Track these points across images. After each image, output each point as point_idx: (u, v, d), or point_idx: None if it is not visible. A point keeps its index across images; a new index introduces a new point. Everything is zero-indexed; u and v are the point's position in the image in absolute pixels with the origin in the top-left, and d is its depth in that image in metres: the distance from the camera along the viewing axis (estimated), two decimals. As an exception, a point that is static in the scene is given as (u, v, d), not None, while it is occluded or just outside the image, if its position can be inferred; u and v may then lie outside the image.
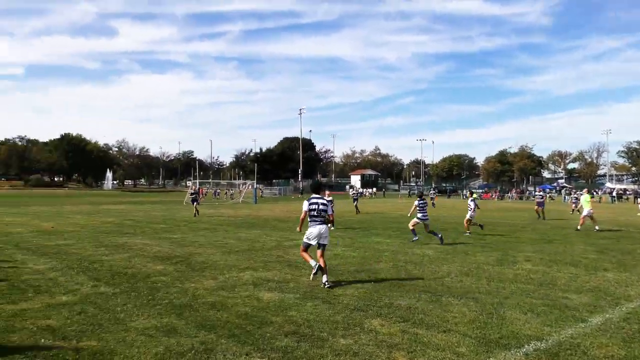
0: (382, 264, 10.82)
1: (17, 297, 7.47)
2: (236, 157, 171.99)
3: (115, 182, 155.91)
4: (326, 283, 8.41)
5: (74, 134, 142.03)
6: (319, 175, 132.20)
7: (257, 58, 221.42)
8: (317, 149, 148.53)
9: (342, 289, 8.30)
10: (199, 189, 46.34)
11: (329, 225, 9.27)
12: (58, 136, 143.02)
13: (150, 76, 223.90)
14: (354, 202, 31.16)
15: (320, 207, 8.94)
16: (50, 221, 22.03)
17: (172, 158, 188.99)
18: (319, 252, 8.75)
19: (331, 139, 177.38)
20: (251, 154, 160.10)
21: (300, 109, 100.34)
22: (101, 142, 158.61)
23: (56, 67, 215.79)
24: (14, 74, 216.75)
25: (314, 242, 8.86)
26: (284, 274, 9.62)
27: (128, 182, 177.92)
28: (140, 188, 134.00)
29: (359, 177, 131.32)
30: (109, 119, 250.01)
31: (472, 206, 16.61)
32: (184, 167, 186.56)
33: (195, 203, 26.73)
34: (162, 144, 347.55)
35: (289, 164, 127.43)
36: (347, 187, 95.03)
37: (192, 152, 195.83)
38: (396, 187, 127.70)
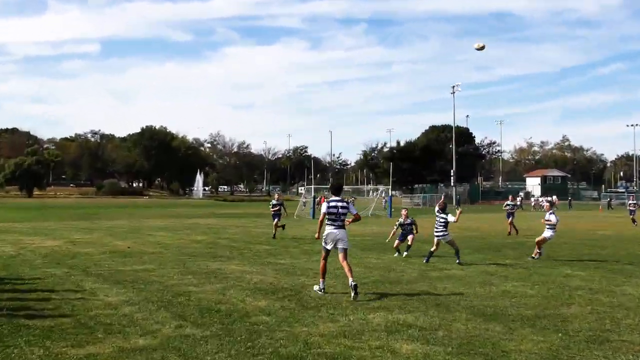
0: (575, 308, 10.26)
1: (84, 339, 8.07)
2: (364, 153, 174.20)
3: (207, 188, 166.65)
4: (354, 294, 10.87)
5: (157, 127, 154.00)
6: (479, 179, 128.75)
7: (393, 18, 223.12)
8: (477, 141, 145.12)
9: (515, 343, 7.93)
10: (318, 198, 47.60)
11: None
12: (137, 130, 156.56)
13: (252, 48, 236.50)
14: (508, 217, 29.93)
15: (340, 210, 11.45)
16: (127, 239, 24.00)
17: (280, 156, 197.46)
18: (340, 255, 11.53)
19: (497, 127, 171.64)
20: (384, 149, 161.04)
21: (454, 86, 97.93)
22: (190, 137, 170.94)
23: (137, 41, 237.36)
24: (86, 51, 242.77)
25: (329, 246, 11.53)
26: (430, 317, 9.45)
27: (223, 187, 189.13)
28: (238, 196, 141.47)
29: (538, 179, 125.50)
30: (200, 105, 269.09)
31: None
32: (295, 167, 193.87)
33: (276, 219, 26.01)
34: (267, 137, 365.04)
35: (437, 162, 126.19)
36: (521, 194, 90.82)
37: (306, 147, 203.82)
38: (594, 193, 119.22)
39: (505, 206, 30.91)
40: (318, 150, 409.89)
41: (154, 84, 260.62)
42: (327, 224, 11.52)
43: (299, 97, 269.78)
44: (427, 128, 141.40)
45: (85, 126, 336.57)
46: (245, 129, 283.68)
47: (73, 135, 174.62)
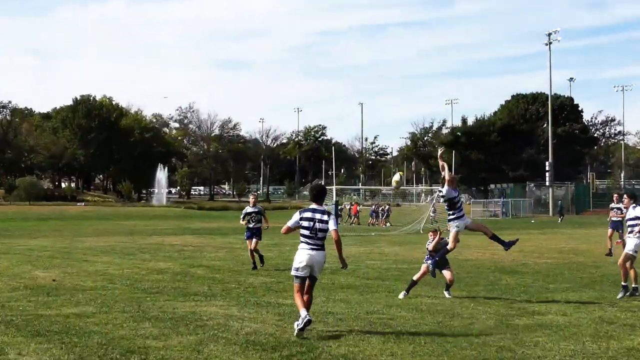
0: None
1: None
2: (412, 137, 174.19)
3: (173, 190, 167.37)
4: (299, 326, 12.36)
5: (98, 98, 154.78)
6: (590, 175, 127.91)
7: None
8: (586, 117, 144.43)
9: None
10: (346, 205, 47.45)
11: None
12: (68, 102, 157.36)
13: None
14: (613, 231, 29.80)
15: (318, 223, 12.65)
16: (52, 268, 24.09)
17: (285, 141, 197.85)
18: (307, 284, 12.85)
19: (616, 95, 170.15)
20: (443, 131, 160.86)
21: (550, 35, 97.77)
22: (147, 113, 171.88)
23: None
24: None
25: (302, 273, 12.71)
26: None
27: (198, 189, 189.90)
28: (221, 201, 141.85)
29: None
30: (164, 66, 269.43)
31: None
32: (308, 158, 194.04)
33: (255, 239, 24.61)
34: (266, 113, 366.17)
35: (524, 151, 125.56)
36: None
37: (324, 128, 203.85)
38: None
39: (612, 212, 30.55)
40: (342, 132, 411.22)
41: (91, 33, 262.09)
42: (302, 242, 12.90)
43: (312, 51, 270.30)
44: (508, 98, 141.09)
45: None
46: (233, 101, 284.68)
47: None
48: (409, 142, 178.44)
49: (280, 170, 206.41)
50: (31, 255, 29.02)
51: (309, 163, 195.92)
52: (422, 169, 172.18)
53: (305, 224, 12.66)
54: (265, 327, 13.44)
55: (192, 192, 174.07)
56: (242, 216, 25.61)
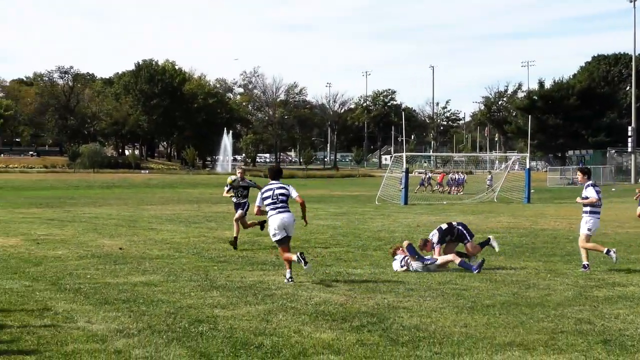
0: None
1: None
2: (486, 102, 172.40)
3: (238, 157, 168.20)
4: (290, 279, 15.04)
5: (160, 63, 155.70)
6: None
7: None
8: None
9: None
10: (425, 173, 47.13)
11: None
12: (130, 67, 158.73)
13: None
14: None
15: (277, 191, 15.30)
16: (118, 237, 24.50)
17: (353, 106, 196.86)
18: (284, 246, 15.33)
19: None
20: (519, 95, 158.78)
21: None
22: (211, 78, 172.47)
23: None
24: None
25: (280, 236, 15.16)
26: (596, 362, 9.37)
27: (263, 156, 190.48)
28: (287, 169, 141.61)
29: None
30: (227, 28, 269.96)
31: None
32: (377, 124, 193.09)
33: (240, 211, 22.91)
34: (332, 78, 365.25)
35: (604, 113, 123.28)
36: None
37: (393, 93, 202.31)
38: None
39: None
40: (412, 97, 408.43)
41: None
42: (270, 211, 15.28)
43: (379, 11, 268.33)
44: (588, 60, 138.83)
45: (48, 61, 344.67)
46: (299, 64, 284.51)
47: (30, 76, 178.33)
48: (482, 107, 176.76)
49: (348, 136, 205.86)
50: (97, 224, 29.52)
51: (378, 129, 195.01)
52: (496, 134, 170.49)
53: (267, 194, 15.31)
54: (334, 297, 13.54)
55: (258, 160, 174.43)
56: (226, 188, 23.47)
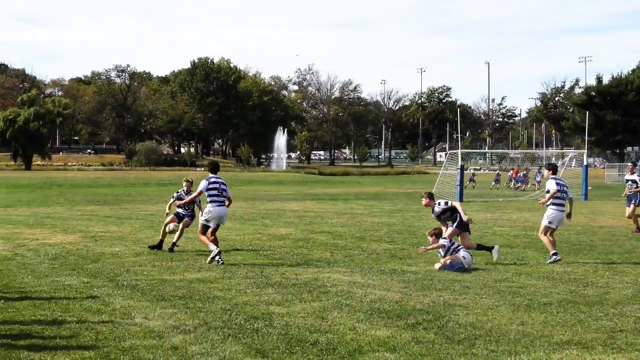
0: None
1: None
2: (542, 98, 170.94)
3: (292, 154, 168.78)
4: (214, 256, 17.45)
5: (215, 60, 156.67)
6: None
7: None
8: None
9: None
10: (499, 173, 46.96)
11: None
12: (186, 65, 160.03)
13: None
14: (629, 204, 27.45)
15: (222, 186, 18.18)
16: (174, 233, 24.74)
17: (408, 103, 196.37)
18: (212, 230, 17.95)
19: None
20: (576, 91, 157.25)
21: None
22: (266, 75, 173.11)
23: None
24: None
25: (212, 224, 17.97)
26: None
27: (318, 154, 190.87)
28: (342, 166, 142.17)
29: None
30: (280, 23, 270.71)
31: None
32: (432, 121, 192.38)
33: (183, 221, 21.25)
34: (387, 74, 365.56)
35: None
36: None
37: (449, 90, 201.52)
38: None
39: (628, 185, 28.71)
40: (467, 93, 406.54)
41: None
42: (211, 201, 18.02)
43: (434, 6, 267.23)
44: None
45: (105, 60, 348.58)
46: (353, 62, 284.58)
47: (88, 75, 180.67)
48: (538, 103, 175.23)
49: (403, 133, 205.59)
50: (153, 221, 29.75)
51: (433, 126, 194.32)
52: (553, 131, 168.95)
53: (214, 186, 18.05)
54: (389, 295, 13.54)
55: (312, 157, 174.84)
56: (174, 197, 21.85)
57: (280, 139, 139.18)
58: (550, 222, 18.55)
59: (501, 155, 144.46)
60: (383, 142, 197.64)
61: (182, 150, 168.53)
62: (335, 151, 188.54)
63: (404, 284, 14.77)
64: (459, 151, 51.67)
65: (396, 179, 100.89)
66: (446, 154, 73.31)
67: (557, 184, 18.69)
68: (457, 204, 19.08)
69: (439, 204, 18.80)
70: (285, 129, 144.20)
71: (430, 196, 19.17)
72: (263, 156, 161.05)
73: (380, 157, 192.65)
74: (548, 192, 18.75)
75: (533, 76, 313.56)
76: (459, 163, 49.78)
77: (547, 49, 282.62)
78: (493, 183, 68.32)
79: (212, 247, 17.55)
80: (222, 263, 17.31)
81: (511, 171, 74.24)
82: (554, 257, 17.97)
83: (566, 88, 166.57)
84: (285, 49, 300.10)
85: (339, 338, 10.29)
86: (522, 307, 12.50)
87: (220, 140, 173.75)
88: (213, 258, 17.45)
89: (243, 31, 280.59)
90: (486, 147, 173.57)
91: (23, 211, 35.96)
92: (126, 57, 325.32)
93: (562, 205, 18.66)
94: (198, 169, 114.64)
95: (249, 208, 38.54)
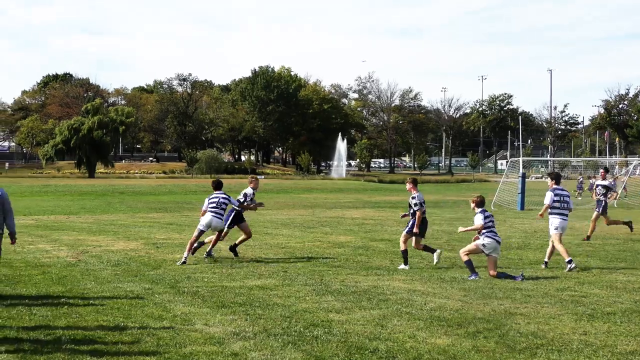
0: None
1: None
2: (606, 105, 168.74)
3: (352, 162, 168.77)
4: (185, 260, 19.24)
5: (276, 69, 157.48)
6: None
7: None
8: None
9: None
10: (581, 181, 46.86)
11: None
12: (246, 73, 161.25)
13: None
14: (598, 210, 27.44)
15: (221, 199, 20.12)
16: (234, 241, 24.87)
17: (469, 111, 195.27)
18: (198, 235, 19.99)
19: None
20: (639, 99, 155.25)
21: None
22: (325, 84, 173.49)
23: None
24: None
25: (203, 229, 19.93)
26: None
27: (378, 161, 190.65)
28: (402, 174, 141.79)
29: None
30: (337, 30, 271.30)
31: None
32: (493, 128, 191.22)
33: (229, 226, 21.12)
34: (447, 82, 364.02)
35: None
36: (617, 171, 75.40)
37: (510, 97, 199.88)
38: None
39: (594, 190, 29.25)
40: (529, 101, 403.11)
41: (268, 2, 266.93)
42: (210, 212, 19.87)
43: (494, 12, 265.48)
44: None
45: (168, 69, 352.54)
46: (414, 69, 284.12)
47: (151, 84, 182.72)
48: (602, 111, 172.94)
49: (463, 141, 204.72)
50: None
51: (494, 134, 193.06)
52: (617, 139, 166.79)
53: (213, 200, 20.06)
54: (450, 303, 13.49)
55: (372, 165, 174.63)
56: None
57: (340, 147, 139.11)
58: (555, 229, 18.90)
59: (563, 163, 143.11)
60: (443, 149, 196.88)
61: (243, 158, 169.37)
62: (395, 159, 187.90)
63: (464, 292, 14.72)
64: (520, 159, 51.39)
65: (456, 187, 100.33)
66: (507, 161, 72.71)
67: (556, 194, 19.00)
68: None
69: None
70: (345, 137, 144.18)
71: (414, 182, 19.66)
72: (323, 164, 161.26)
73: (440, 164, 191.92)
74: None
75: (596, 83, 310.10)
76: (520, 171, 49.41)
77: (611, 55, 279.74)
78: (578, 191, 66.87)
79: (187, 254, 19.56)
80: (183, 263, 19.10)
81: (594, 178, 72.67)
82: (570, 264, 18.17)
83: (630, 95, 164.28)
84: (346, 57, 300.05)
85: (398, 346, 10.30)
86: (584, 316, 12.37)
87: (280, 148, 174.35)
88: (184, 262, 19.15)
89: (303, 39, 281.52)
90: (548, 155, 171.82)
91: (86, 218, 36.43)
92: (188, 66, 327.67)
93: (565, 214, 19.04)
94: (258, 176, 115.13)
95: (308, 216, 38.65)
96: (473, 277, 16.92)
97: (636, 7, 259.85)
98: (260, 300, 13.68)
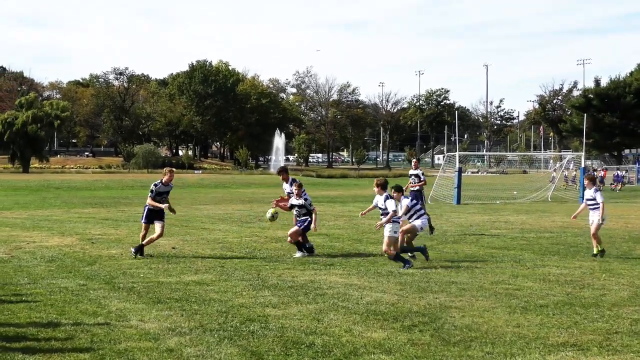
0: None
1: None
2: (541, 100, 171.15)
3: (290, 157, 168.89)
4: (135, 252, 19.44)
5: (214, 63, 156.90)
6: None
7: None
8: None
9: None
10: (566, 174, 47.27)
11: None
12: (184, 67, 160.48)
13: None
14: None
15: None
16: (171, 236, 24.66)
17: (406, 106, 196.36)
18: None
19: None
20: (574, 94, 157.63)
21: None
22: (263, 78, 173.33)
23: None
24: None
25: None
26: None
27: (316, 156, 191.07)
28: (340, 169, 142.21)
29: None
30: (279, 26, 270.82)
31: None
32: (430, 123, 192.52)
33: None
34: (385, 77, 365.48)
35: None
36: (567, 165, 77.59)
37: (447, 92, 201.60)
38: None
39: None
40: (465, 96, 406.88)
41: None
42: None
43: (432, 9, 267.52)
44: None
45: (104, 62, 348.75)
46: (351, 64, 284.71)
47: (87, 77, 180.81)
48: (537, 106, 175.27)
49: (401, 136, 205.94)
50: (150, 224, 29.78)
51: (431, 128, 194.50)
52: (551, 133, 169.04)
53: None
54: (386, 297, 13.56)
55: (310, 160, 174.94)
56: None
57: (278, 142, 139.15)
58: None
59: (499, 157, 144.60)
60: (381, 144, 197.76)
61: (180, 152, 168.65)
62: (333, 154, 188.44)
63: (400, 286, 14.79)
64: (457, 154, 51.81)
65: (394, 182, 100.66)
66: (444, 156, 73.25)
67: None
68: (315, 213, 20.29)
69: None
70: (284, 132, 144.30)
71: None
72: (261, 159, 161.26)
73: (378, 159, 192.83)
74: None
75: (531, 79, 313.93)
76: (457, 165, 49.86)
77: (546, 51, 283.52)
78: (570, 183, 67.26)
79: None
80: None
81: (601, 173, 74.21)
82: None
83: (564, 90, 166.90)
84: (284, 52, 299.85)
85: (334, 340, 10.33)
86: (518, 309, 12.52)
87: (218, 143, 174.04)
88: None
89: (241, 34, 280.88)
90: (484, 150, 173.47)
91: (20, 214, 35.92)
92: (124, 60, 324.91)
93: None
94: (196, 171, 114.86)
95: (246, 210, 38.55)
96: (408, 266, 17.19)
97: (571, 4, 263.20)
98: (197, 296, 13.62)
